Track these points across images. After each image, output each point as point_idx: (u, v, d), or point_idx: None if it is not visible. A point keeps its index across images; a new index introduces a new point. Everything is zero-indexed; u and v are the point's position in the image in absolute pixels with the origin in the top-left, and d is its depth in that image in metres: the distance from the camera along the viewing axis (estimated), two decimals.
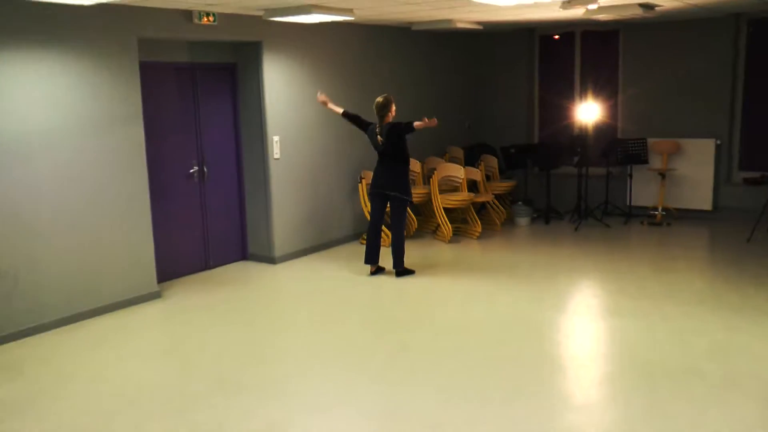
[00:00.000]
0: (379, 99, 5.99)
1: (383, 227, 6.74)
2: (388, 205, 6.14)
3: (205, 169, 6.67)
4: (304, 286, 6.10)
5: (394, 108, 6.01)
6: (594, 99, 8.87)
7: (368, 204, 7.52)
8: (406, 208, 6.07)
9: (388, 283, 6.11)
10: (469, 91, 10.04)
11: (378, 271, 6.40)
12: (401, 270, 6.15)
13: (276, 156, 6.83)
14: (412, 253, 7.10)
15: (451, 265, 6.58)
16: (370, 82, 7.98)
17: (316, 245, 7.42)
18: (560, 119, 9.52)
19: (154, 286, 5.91)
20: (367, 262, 6.33)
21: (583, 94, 9.30)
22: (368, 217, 6.76)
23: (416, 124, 5.76)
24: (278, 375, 4.22)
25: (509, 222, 8.76)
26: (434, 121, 5.66)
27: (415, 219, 7.93)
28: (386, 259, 6.60)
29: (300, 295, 5.82)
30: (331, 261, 6.97)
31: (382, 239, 6.53)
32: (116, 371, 4.40)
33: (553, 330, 4.86)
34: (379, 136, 5.93)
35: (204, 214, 6.73)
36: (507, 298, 5.55)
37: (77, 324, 5.34)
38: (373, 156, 6.80)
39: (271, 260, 6.97)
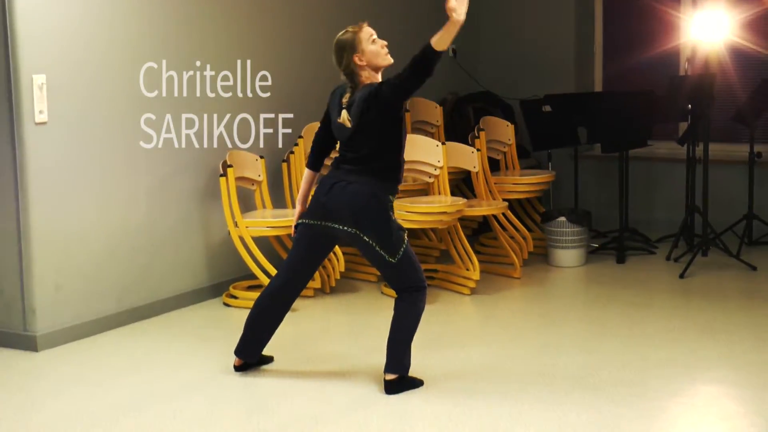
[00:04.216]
0: (344, 34, 5.90)
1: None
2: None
3: None
4: (96, 412, 5.71)
5: (369, 48, 5.83)
6: (721, 4, 8.91)
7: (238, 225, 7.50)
8: (411, 257, 5.90)
9: (276, 398, 5.88)
10: None
11: (251, 365, 6.29)
12: (401, 379, 5.92)
13: (40, 119, 6.66)
14: (332, 326, 7.28)
15: (417, 353, 6.29)
16: None
17: (129, 310, 7.35)
18: (649, 45, 9.78)
19: None
20: (241, 351, 6.22)
21: None
22: (265, 267, 7.39)
23: (444, 33, 5.73)
24: None
25: (540, 259, 8.96)
26: None
27: (340, 256, 7.89)
28: (281, 346, 6.45)
29: None
30: (161, 343, 6.92)
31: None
32: None
33: None
34: (344, 113, 5.78)
35: None
36: None
37: None
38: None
39: (27, 344, 6.78)
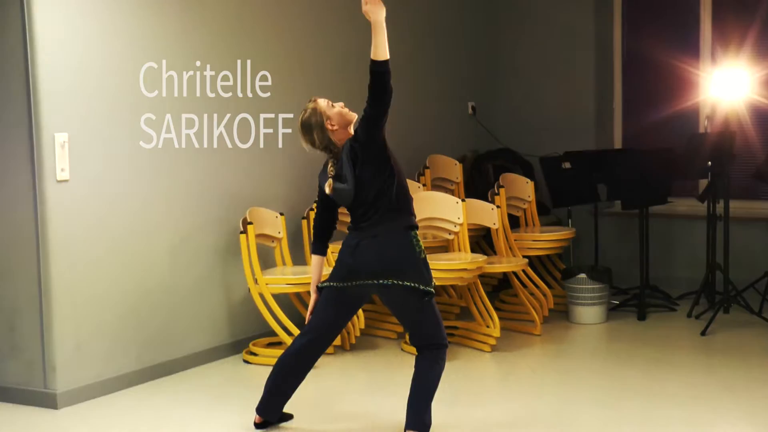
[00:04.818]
0: (305, 114, 5.92)
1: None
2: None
3: None
4: None
5: (332, 112, 5.90)
6: (741, 62, 9.00)
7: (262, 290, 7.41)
8: (437, 310, 5.95)
9: None
10: (474, 42, 10.54)
11: (271, 423, 6.27)
12: None
13: (62, 176, 6.65)
14: (352, 384, 7.20)
15: (437, 410, 6.21)
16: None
17: (149, 368, 7.30)
18: (668, 102, 9.87)
19: None
20: (262, 410, 6.19)
21: (718, 51, 9.57)
22: (285, 324, 7.38)
23: (375, 41, 5.60)
24: None
25: (561, 316, 8.91)
26: None
27: (360, 314, 7.87)
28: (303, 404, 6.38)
29: None
30: (181, 401, 6.84)
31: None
32: None
33: None
34: (329, 182, 5.84)
35: None
36: None
37: None
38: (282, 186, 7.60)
39: (47, 401, 6.72)
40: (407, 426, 5.75)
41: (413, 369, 5.85)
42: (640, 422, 6.16)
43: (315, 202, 7.82)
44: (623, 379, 7.12)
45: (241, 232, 7.51)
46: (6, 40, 6.55)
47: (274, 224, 7.74)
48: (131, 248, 7.11)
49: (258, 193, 7.95)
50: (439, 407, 6.25)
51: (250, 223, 7.50)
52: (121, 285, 7.06)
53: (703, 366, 7.39)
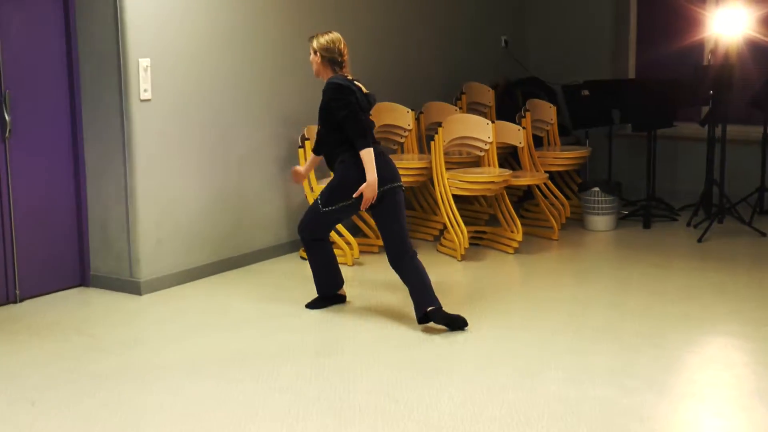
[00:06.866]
0: (338, 35, 6.12)
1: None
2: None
3: (7, 117, 6.47)
4: (191, 344, 5.81)
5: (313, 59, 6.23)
6: (741, 2, 8.85)
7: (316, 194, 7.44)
8: None
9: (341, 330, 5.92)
10: None
11: (321, 305, 6.52)
12: (439, 308, 5.96)
13: (145, 96, 6.69)
14: (393, 278, 7.13)
15: (465, 303, 6.43)
16: None
17: (219, 261, 7.37)
18: (677, 38, 9.76)
19: None
20: (320, 287, 6.52)
21: None
22: (336, 227, 7.36)
23: None
24: None
25: (577, 223, 8.91)
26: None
27: None
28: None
29: (191, 370, 5.41)
30: (246, 289, 6.93)
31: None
32: None
33: None
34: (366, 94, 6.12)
35: (4, 199, 6.52)
36: (564, 377, 5.19)
37: None
38: None
39: (132, 288, 6.85)
40: (424, 305, 5.86)
41: (402, 278, 5.93)
42: (640, 317, 6.18)
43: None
44: (628, 280, 7.14)
45: (299, 146, 7.51)
46: None
47: None
48: (204, 159, 7.13)
49: (313, 113, 7.79)
50: (467, 299, 6.36)
51: (307, 138, 7.48)
52: (195, 190, 7.10)
53: (698, 270, 7.37)
